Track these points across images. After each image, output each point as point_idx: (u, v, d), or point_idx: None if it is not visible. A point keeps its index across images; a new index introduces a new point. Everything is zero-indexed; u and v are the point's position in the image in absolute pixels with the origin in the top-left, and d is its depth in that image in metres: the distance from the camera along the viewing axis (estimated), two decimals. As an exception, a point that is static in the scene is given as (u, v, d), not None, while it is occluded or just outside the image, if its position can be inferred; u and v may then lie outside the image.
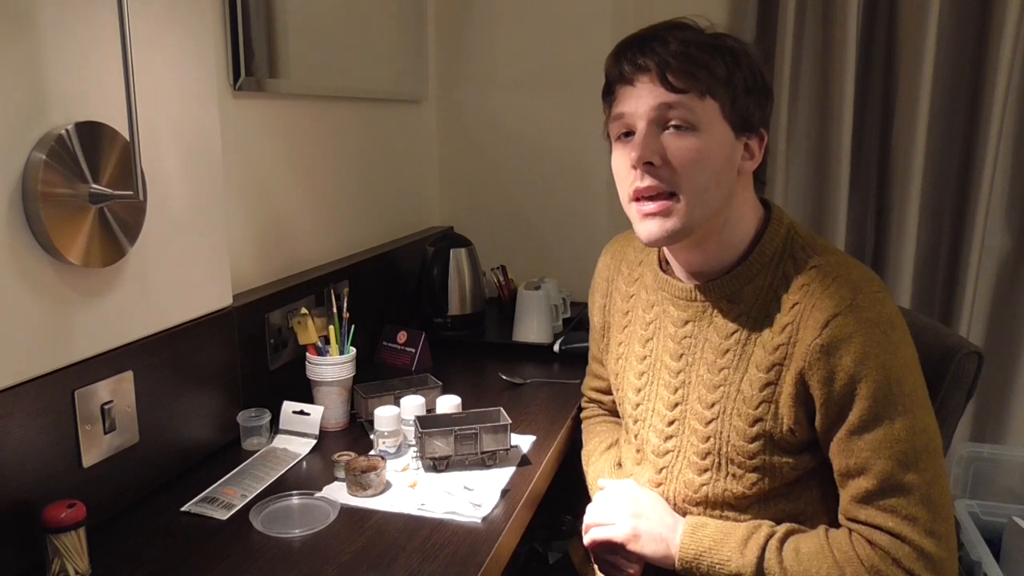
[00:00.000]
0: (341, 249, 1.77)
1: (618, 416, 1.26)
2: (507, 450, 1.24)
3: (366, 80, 1.85)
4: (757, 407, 0.98)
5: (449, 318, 1.87)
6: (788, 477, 1.00)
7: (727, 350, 1.02)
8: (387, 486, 1.17)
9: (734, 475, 1.01)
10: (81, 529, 0.93)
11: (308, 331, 1.38)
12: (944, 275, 1.97)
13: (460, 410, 1.33)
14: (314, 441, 1.31)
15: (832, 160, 1.92)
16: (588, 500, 1.16)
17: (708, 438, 1.02)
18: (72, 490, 1.00)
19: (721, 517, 1.03)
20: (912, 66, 1.84)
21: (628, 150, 0.98)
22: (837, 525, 0.98)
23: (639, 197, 0.98)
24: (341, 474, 1.18)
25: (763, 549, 0.96)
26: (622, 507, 1.06)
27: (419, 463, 1.23)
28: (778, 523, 0.99)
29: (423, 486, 1.17)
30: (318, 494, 1.14)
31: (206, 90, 1.23)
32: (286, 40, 1.53)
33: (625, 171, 0.99)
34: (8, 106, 0.91)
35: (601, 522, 1.07)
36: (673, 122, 0.96)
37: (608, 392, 1.29)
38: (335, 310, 1.41)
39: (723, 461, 1.02)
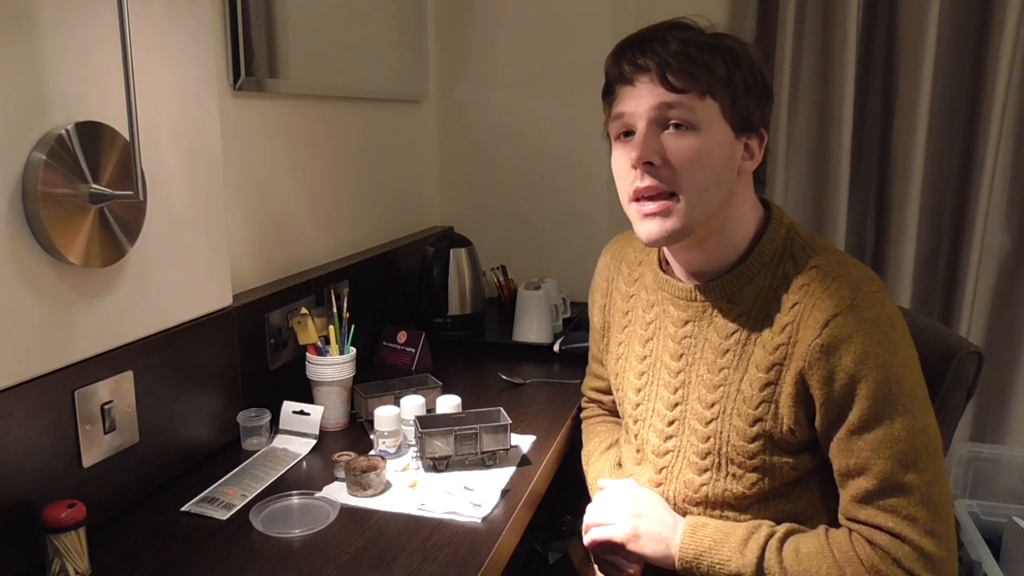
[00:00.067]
0: (341, 249, 1.77)
1: (618, 416, 1.26)
2: (507, 450, 1.24)
3: (366, 80, 1.85)
4: (757, 407, 0.98)
5: (449, 318, 1.87)
6: (788, 477, 1.00)
7: (727, 350, 1.02)
8: (387, 486, 1.17)
9: (734, 475, 1.01)
10: (81, 529, 0.93)
11: (308, 331, 1.38)
12: (944, 275, 1.97)
13: (460, 410, 1.33)
14: (314, 441, 1.31)
15: (832, 160, 1.92)
16: (588, 500, 1.16)
17: (708, 438, 1.02)
18: (72, 490, 1.00)
19: (721, 517, 1.03)
20: (912, 66, 1.84)
21: (628, 150, 0.98)
22: (837, 525, 0.98)
23: (639, 197, 0.98)
24: (341, 474, 1.18)
25: (763, 549, 0.96)
26: (622, 507, 1.06)
27: (419, 463, 1.23)
28: (778, 523, 0.99)
29: (423, 486, 1.17)
30: (318, 494, 1.14)
31: (206, 90, 1.23)
32: (286, 40, 1.53)
33: (625, 171, 0.99)
34: (8, 106, 0.91)
35: (601, 522, 1.07)
36: (673, 122, 0.96)
37: (608, 392, 1.29)
38: (335, 310, 1.41)
39: (723, 461, 1.02)
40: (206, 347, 1.25)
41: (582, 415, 1.38)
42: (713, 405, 1.02)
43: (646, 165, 0.96)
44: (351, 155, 1.81)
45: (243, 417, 1.30)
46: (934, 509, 0.90)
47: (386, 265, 1.86)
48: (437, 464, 1.22)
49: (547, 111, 2.16)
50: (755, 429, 0.99)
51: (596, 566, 1.12)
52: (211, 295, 1.27)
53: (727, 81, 0.96)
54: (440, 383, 1.48)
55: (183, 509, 1.11)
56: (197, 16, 1.20)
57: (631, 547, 1.03)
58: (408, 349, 1.68)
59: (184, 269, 1.20)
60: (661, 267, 1.12)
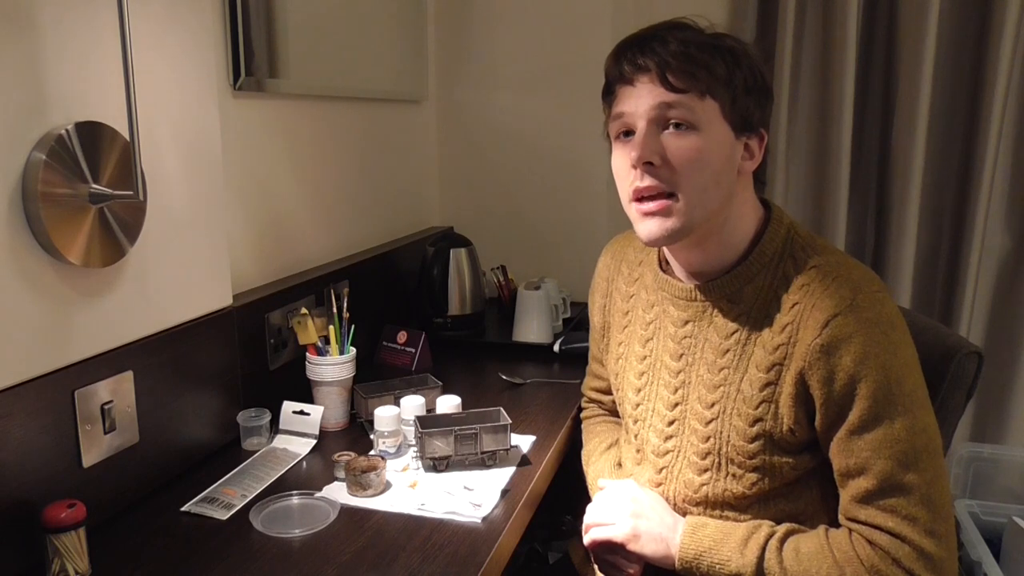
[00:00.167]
0: (341, 249, 1.77)
1: (618, 416, 1.26)
2: (507, 450, 1.24)
3: (366, 80, 1.85)
4: (757, 407, 0.98)
5: (449, 318, 1.87)
6: (788, 477, 1.00)
7: (727, 350, 1.02)
8: (387, 486, 1.17)
9: (734, 475, 1.01)
10: (81, 529, 0.93)
11: (308, 331, 1.38)
12: (944, 275, 1.97)
13: (460, 410, 1.33)
14: (314, 441, 1.31)
15: (832, 160, 1.92)
16: (588, 500, 1.16)
17: (708, 438, 1.02)
18: (72, 490, 1.00)
19: (721, 517, 1.03)
20: (912, 66, 1.84)
21: (628, 150, 0.98)
22: (837, 525, 0.98)
23: (639, 197, 0.98)
24: (341, 474, 1.18)
25: (763, 549, 0.96)
26: (622, 507, 1.06)
27: (419, 463, 1.23)
28: (778, 523, 0.99)
29: (423, 486, 1.17)
30: (318, 494, 1.14)
31: (206, 90, 1.23)
32: (286, 40, 1.53)
33: (625, 171, 0.99)
34: (8, 106, 0.91)
35: (601, 522, 1.07)
36: (673, 122, 0.96)
37: (608, 392, 1.29)
38: (335, 310, 1.41)
39: (723, 461, 1.02)
40: (206, 347, 1.25)
41: (582, 415, 1.38)
42: (713, 405, 1.02)
43: (646, 165, 0.96)
44: (351, 155, 1.81)
45: (243, 417, 1.30)
46: (934, 509, 0.90)
47: (386, 265, 1.86)
48: (437, 464, 1.22)
49: (547, 111, 2.16)
50: (755, 429, 0.99)
51: (596, 566, 1.12)
52: (211, 295, 1.27)
53: (727, 81, 0.96)
54: (440, 383, 1.48)
55: (183, 509, 1.11)
56: (197, 16, 1.20)
57: (631, 547, 1.03)
58: (408, 349, 1.68)
59: (184, 269, 1.20)
60: (661, 267, 1.12)
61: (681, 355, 1.07)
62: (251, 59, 1.41)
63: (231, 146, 1.36)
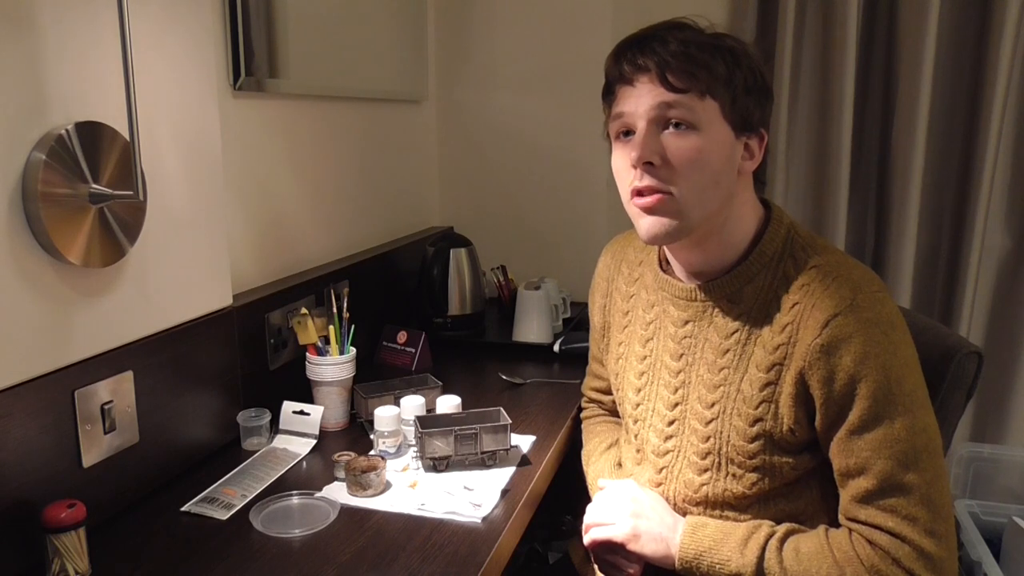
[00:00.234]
0: (341, 249, 1.77)
1: (618, 416, 1.26)
2: (507, 450, 1.24)
3: (366, 80, 1.85)
4: (757, 407, 0.98)
5: (449, 318, 1.87)
6: (788, 477, 1.00)
7: (727, 350, 1.02)
8: (387, 486, 1.17)
9: (734, 475, 1.01)
10: (81, 529, 0.93)
11: (308, 331, 1.38)
12: (944, 275, 1.97)
13: (460, 410, 1.33)
14: (314, 441, 1.31)
15: (832, 160, 1.92)
16: (588, 500, 1.16)
17: (708, 438, 1.02)
18: (72, 490, 1.00)
19: (721, 517, 1.03)
20: (912, 66, 1.84)
21: (628, 149, 0.98)
22: (837, 525, 0.98)
23: (638, 192, 0.98)
24: (341, 474, 1.18)
25: (763, 549, 0.96)
26: (622, 507, 1.06)
27: (419, 463, 1.23)
28: (778, 523, 0.99)
29: (423, 486, 1.17)
30: (318, 494, 1.14)
31: (206, 90, 1.23)
32: (286, 40, 1.53)
33: (625, 170, 0.99)
34: (8, 106, 0.91)
35: (601, 522, 1.07)
36: (673, 122, 0.96)
37: (608, 392, 1.29)
38: (335, 310, 1.41)
39: (723, 461, 1.02)
40: (206, 347, 1.25)
41: (582, 415, 1.38)
42: (713, 405, 1.02)
43: (646, 165, 0.96)
44: (351, 155, 1.81)
45: (243, 417, 1.30)
46: (934, 509, 0.90)
47: (386, 265, 1.86)
48: (437, 464, 1.22)
49: (547, 111, 2.16)
50: (755, 429, 0.99)
51: (596, 566, 1.12)
52: (211, 295, 1.27)
53: (727, 81, 0.96)
54: (440, 383, 1.48)
55: (183, 509, 1.11)
56: (197, 16, 1.20)
57: (631, 547, 1.03)
58: (408, 349, 1.68)
59: (184, 269, 1.20)
60: (661, 267, 1.12)
61: (681, 355, 1.07)
62: (251, 59, 1.41)
63: (231, 146, 1.36)
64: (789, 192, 1.99)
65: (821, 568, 0.93)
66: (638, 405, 1.12)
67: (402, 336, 1.71)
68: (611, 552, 1.07)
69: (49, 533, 0.91)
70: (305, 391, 1.40)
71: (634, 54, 0.97)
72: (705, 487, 1.03)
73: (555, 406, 1.48)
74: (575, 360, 1.67)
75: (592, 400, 1.36)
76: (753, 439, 0.99)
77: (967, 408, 1.12)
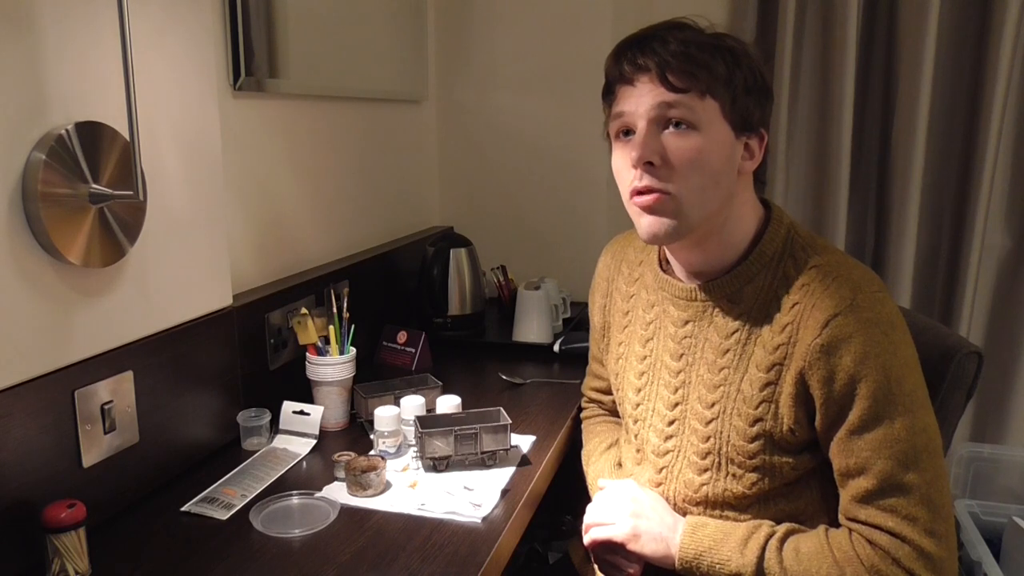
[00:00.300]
0: (341, 249, 1.77)
1: (618, 416, 1.26)
2: (507, 450, 1.24)
3: (366, 80, 1.85)
4: (757, 407, 0.98)
5: (449, 318, 1.87)
6: (788, 477, 1.00)
7: (727, 350, 1.02)
8: (387, 486, 1.17)
9: (734, 475, 1.01)
10: (81, 529, 0.93)
11: (308, 331, 1.38)
12: (944, 275, 1.97)
13: (460, 410, 1.33)
14: (314, 441, 1.31)
15: (832, 160, 1.92)
16: (588, 500, 1.16)
17: (708, 438, 1.02)
18: (72, 490, 1.00)
19: (721, 517, 1.03)
20: (912, 66, 1.84)
21: (628, 149, 0.98)
22: (837, 525, 0.98)
23: (638, 191, 0.98)
24: (341, 474, 1.18)
25: (763, 549, 0.96)
26: (622, 507, 1.06)
27: (419, 463, 1.23)
28: (778, 523, 0.99)
29: (423, 486, 1.17)
30: (318, 494, 1.14)
31: (206, 90, 1.23)
32: (286, 40, 1.53)
33: (625, 170, 0.99)
34: (8, 106, 0.91)
35: (601, 522, 1.07)
36: (673, 121, 0.96)
37: (608, 392, 1.29)
38: (335, 310, 1.41)
39: (723, 461, 1.02)
40: (206, 347, 1.25)
41: (582, 415, 1.38)
42: (713, 405, 1.02)
43: (646, 165, 0.96)
44: (351, 155, 1.81)
45: (243, 417, 1.30)
46: (934, 509, 0.90)
47: (386, 265, 1.86)
48: (437, 464, 1.22)
49: (547, 111, 2.16)
50: (755, 429, 0.99)
51: (596, 566, 1.12)
52: (211, 295, 1.27)
53: (727, 81, 0.96)
54: (440, 383, 1.48)
55: (183, 509, 1.11)
56: (197, 16, 1.20)
57: (631, 547, 1.03)
58: (408, 349, 1.68)
59: (184, 269, 1.20)
60: (661, 267, 1.12)
61: (681, 355, 1.07)
62: (251, 59, 1.41)
63: (231, 146, 1.36)
64: (789, 192, 1.99)
65: (821, 568, 0.93)
66: (638, 405, 1.12)
67: (402, 336, 1.71)
68: (611, 552, 1.07)
69: (49, 533, 0.91)
70: (305, 391, 1.40)
71: (634, 54, 0.97)
72: (705, 487, 1.03)
73: (555, 406, 1.48)
74: (575, 360, 1.67)
75: (592, 400, 1.36)
76: (753, 439, 0.99)
77: (967, 408, 1.12)
